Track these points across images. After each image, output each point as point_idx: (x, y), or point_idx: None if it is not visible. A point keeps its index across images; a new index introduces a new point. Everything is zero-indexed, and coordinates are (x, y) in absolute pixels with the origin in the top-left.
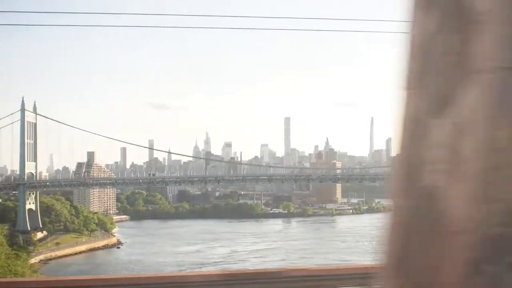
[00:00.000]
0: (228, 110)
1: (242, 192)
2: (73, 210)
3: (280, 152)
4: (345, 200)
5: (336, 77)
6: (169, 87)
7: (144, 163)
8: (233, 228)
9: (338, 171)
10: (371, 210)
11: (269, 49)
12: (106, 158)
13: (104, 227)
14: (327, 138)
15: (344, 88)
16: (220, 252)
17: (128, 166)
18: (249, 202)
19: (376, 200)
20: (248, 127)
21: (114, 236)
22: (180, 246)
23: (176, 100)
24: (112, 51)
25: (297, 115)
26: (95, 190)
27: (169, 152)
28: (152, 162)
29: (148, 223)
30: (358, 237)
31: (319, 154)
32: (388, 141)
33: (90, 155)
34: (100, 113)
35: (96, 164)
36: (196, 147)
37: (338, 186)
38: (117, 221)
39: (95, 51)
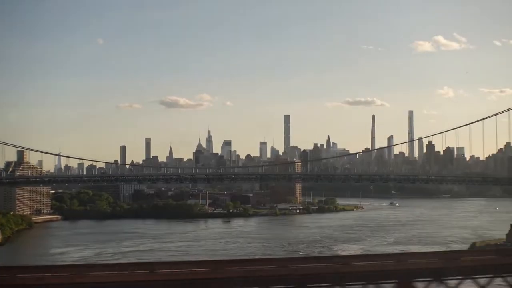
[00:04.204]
0: (230, 108)
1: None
2: None
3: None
4: (308, 199)
5: (343, 75)
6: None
7: (143, 161)
8: (149, 230)
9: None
10: (321, 210)
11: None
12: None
13: None
14: (328, 136)
15: (353, 85)
16: (83, 254)
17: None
18: (198, 202)
19: (339, 201)
20: (249, 125)
21: None
22: (54, 248)
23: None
24: None
25: (301, 112)
26: (25, 190)
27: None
28: (149, 160)
29: (71, 224)
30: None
31: (277, 156)
32: (390, 139)
33: (20, 153)
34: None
35: (27, 162)
36: (199, 145)
37: (298, 186)
38: (44, 221)
39: None
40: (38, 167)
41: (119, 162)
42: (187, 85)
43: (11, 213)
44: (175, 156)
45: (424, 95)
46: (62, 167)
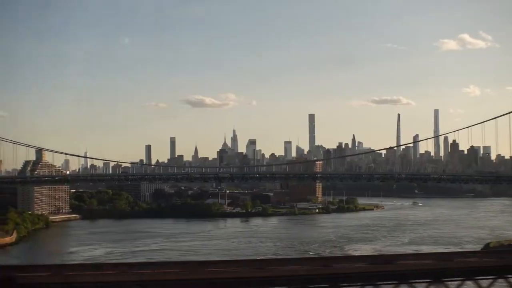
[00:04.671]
0: (255, 108)
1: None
2: None
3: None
4: (329, 198)
5: (369, 74)
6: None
7: (167, 160)
8: (166, 229)
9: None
10: (340, 210)
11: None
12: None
13: None
14: (353, 135)
15: (379, 84)
16: (93, 253)
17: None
18: (213, 201)
19: (360, 200)
20: (274, 124)
21: None
22: (66, 247)
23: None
24: None
25: (327, 111)
26: (43, 189)
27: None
28: (175, 159)
29: (89, 223)
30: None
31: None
32: (415, 138)
33: (39, 153)
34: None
35: (45, 162)
36: (225, 144)
37: (319, 185)
38: (62, 221)
39: None
40: (56, 166)
41: (144, 161)
42: (213, 85)
43: (29, 212)
44: (200, 155)
45: (450, 94)
46: (88, 166)
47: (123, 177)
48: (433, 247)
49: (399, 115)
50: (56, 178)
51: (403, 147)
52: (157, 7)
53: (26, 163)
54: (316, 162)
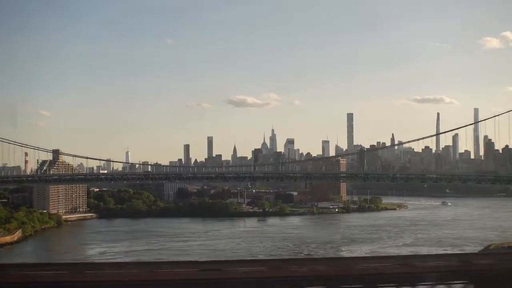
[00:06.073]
0: (296, 107)
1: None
2: None
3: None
4: (355, 198)
5: (411, 72)
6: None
7: (205, 159)
8: (175, 228)
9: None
10: (361, 210)
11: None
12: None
13: None
14: (392, 134)
15: (422, 82)
16: (88, 253)
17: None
18: (235, 200)
19: (385, 200)
20: (313, 123)
21: None
22: (64, 246)
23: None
24: None
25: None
26: (60, 188)
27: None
28: (211, 159)
29: (103, 222)
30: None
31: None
32: (455, 137)
33: (55, 153)
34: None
35: (62, 161)
36: (264, 144)
37: (343, 184)
38: (77, 220)
39: None
40: (73, 165)
41: (183, 161)
42: (255, 85)
43: (39, 211)
44: (239, 154)
45: (492, 93)
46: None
47: (143, 176)
48: (430, 249)
49: (438, 114)
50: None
51: (443, 146)
52: (199, 8)
53: (43, 162)
54: (341, 161)
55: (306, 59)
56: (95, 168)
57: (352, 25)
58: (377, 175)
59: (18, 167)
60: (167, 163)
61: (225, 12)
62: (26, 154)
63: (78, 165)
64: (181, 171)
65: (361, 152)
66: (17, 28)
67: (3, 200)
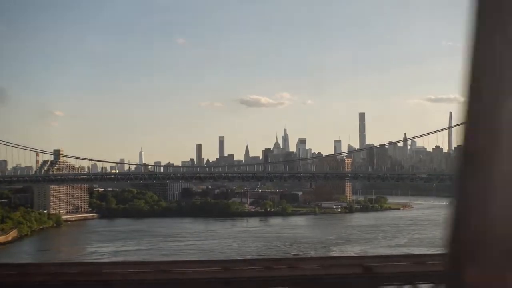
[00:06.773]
0: (309, 107)
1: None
2: None
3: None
4: (360, 197)
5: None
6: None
7: (216, 159)
8: (172, 228)
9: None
10: (364, 209)
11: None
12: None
13: None
14: (405, 134)
15: (436, 82)
16: (78, 253)
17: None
18: (238, 200)
19: (391, 200)
20: (326, 123)
21: None
22: (53, 245)
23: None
24: None
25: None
26: (61, 188)
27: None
28: (223, 159)
29: (103, 223)
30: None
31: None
32: None
33: (56, 152)
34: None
35: (64, 161)
36: (276, 144)
37: (348, 184)
38: (77, 220)
39: None
40: (74, 165)
41: (195, 161)
42: (269, 84)
43: (38, 211)
44: (251, 154)
45: None
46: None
47: (145, 176)
48: (422, 249)
49: (451, 113)
50: (78, 177)
51: (455, 146)
52: (211, 7)
53: (44, 163)
54: (346, 161)
55: (320, 59)
56: (108, 168)
57: (365, 25)
58: (367, 174)
59: (30, 167)
60: (179, 163)
61: (238, 11)
62: (37, 154)
63: (82, 167)
64: (185, 171)
65: (363, 150)
66: (30, 28)
67: (3, 200)
